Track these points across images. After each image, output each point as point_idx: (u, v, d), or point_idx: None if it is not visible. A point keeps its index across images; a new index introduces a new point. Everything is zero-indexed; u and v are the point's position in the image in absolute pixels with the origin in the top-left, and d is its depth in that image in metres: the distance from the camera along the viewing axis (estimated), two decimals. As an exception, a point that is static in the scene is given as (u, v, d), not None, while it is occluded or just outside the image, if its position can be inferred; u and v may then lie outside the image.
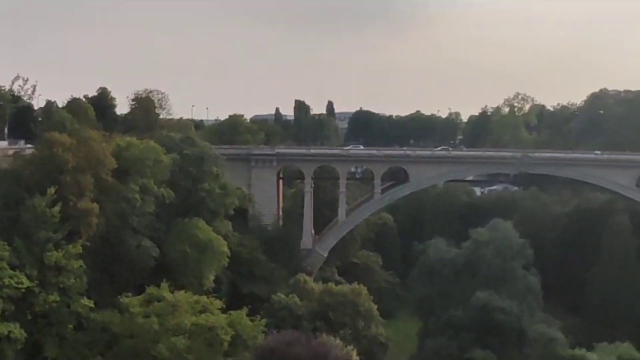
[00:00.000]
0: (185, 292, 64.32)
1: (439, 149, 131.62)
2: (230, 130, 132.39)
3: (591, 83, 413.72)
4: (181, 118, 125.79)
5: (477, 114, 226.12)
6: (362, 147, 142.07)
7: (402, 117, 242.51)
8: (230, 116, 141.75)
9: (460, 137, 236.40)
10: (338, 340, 40.49)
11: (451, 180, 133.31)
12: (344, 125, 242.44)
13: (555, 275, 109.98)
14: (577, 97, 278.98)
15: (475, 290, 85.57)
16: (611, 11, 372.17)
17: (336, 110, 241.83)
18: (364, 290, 79.98)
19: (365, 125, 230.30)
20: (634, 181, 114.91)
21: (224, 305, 64.10)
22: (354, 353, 43.20)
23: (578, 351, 75.06)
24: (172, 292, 63.15)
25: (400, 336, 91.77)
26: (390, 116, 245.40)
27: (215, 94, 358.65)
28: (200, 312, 62.21)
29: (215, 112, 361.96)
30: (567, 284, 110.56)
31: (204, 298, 64.61)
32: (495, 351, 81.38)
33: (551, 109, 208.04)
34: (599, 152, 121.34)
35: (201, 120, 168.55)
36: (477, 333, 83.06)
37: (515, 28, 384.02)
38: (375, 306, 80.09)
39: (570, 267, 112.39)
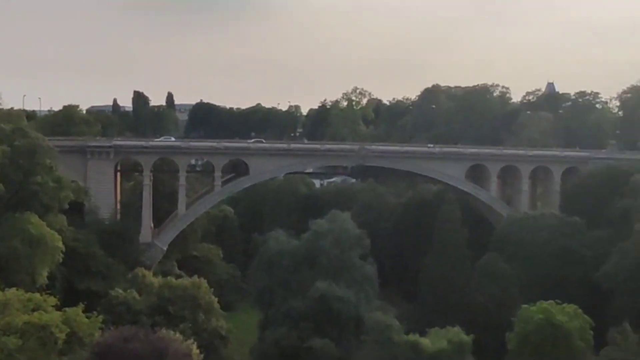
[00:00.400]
0: (17, 289, 61.62)
1: (251, 141, 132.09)
2: (65, 121, 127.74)
3: (425, 79, 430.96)
4: (12, 108, 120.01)
5: (316, 107, 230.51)
6: (173, 138, 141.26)
7: (242, 110, 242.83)
8: (64, 107, 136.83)
9: (300, 129, 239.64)
10: (178, 335, 40.05)
11: (291, 173, 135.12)
12: (184, 117, 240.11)
13: (391, 264, 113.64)
14: (411, 92, 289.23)
15: (315, 281, 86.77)
16: (444, 12, 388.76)
17: (176, 102, 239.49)
18: (204, 283, 79.55)
19: (206, 118, 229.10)
20: (463, 173, 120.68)
21: (59, 303, 61.79)
22: (194, 347, 42.83)
23: (412, 337, 77.60)
24: (2, 289, 60.35)
25: (242, 328, 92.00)
26: (231, 108, 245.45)
27: (49, 84, 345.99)
28: (33, 310, 59.68)
29: (48, 102, 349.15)
30: (402, 272, 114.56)
31: (36, 295, 62.01)
32: (334, 339, 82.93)
33: (387, 103, 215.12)
34: (431, 145, 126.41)
35: (33, 111, 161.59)
36: (316, 322, 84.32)
37: (353, 24, 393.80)
38: (216, 299, 79.84)
39: (405, 255, 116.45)
